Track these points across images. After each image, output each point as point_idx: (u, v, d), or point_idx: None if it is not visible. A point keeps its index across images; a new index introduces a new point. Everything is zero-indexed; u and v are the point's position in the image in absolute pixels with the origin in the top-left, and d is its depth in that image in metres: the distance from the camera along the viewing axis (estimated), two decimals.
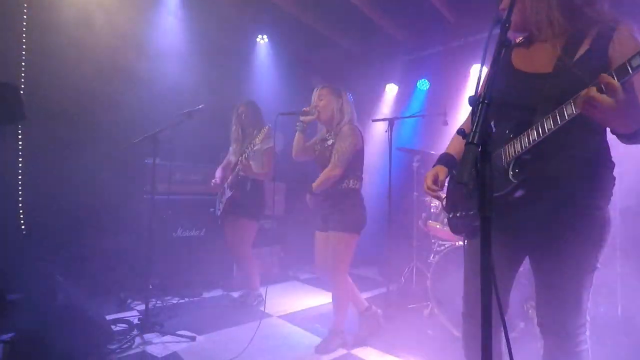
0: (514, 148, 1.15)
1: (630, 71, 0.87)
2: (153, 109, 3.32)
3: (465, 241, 1.40)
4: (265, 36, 4.74)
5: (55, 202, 3.09)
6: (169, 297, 3.34)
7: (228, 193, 3.22)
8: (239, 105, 3.29)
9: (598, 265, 1.19)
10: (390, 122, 3.21)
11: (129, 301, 3.19)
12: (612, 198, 1.21)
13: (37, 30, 3.11)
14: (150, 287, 3.02)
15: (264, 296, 3.28)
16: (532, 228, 1.23)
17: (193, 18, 3.99)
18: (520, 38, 1.34)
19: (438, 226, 3.01)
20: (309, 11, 4.35)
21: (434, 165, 1.44)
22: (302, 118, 2.50)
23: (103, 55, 3.35)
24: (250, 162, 3.00)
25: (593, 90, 0.88)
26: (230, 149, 3.34)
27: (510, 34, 1.27)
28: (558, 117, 1.02)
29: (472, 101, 0.84)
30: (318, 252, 2.55)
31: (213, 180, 3.36)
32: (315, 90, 2.56)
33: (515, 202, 1.18)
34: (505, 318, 1.34)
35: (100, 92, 3.32)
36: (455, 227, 1.44)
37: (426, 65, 4.95)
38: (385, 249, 4.09)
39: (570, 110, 0.98)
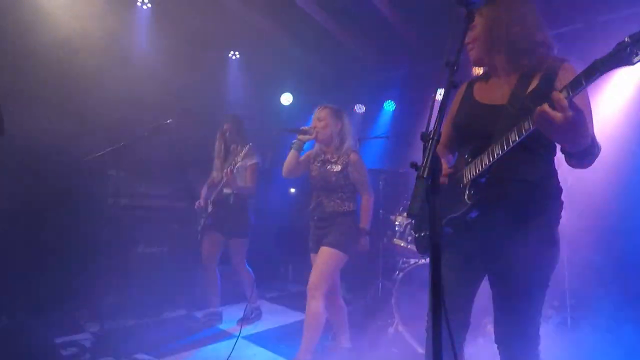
0: (471, 171, 1.26)
1: (584, 83, 0.97)
2: (119, 121, 3.21)
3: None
4: (237, 52, 4.76)
5: (5, 212, 2.88)
6: (126, 318, 3.16)
7: (210, 208, 3.20)
8: (224, 121, 3.29)
9: (549, 283, 1.28)
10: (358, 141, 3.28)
11: (81, 322, 2.99)
12: (561, 220, 1.32)
13: None
14: (106, 306, 2.85)
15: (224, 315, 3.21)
16: (487, 247, 1.32)
17: (164, 31, 3.94)
18: (481, 71, 1.47)
19: (402, 244, 3.09)
20: (281, 30, 4.44)
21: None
22: (299, 137, 2.51)
23: (69, 66, 3.21)
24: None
25: (546, 106, 1.01)
26: (214, 165, 3.33)
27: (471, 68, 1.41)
28: (505, 143, 1.16)
29: (423, 137, 0.91)
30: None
31: (197, 202, 3.31)
32: (316, 109, 2.57)
33: (471, 222, 1.29)
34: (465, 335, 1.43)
35: (62, 102, 3.17)
36: (420, 246, 1.53)
37: (393, 86, 5.14)
38: (351, 267, 4.12)
39: (527, 125, 1.10)
